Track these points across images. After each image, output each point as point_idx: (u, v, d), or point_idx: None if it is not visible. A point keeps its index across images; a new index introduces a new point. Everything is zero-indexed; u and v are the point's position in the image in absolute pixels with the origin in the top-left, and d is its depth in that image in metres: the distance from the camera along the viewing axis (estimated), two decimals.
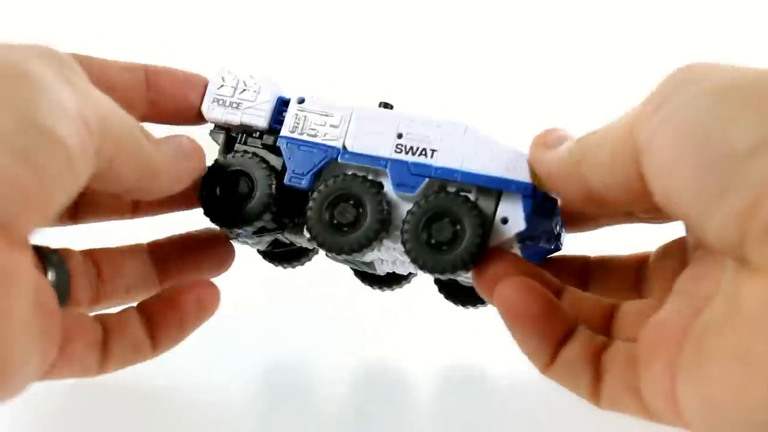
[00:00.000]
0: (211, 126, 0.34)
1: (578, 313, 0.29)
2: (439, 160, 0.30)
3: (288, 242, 0.35)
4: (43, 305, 0.25)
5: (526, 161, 0.29)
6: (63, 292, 0.30)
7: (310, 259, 0.38)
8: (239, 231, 0.33)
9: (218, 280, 0.33)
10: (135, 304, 0.32)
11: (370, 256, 0.32)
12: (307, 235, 0.31)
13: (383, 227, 0.30)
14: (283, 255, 0.37)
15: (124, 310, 0.31)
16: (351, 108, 0.31)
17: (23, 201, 0.20)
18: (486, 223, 0.29)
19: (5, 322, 0.21)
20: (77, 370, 0.29)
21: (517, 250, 0.31)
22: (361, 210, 0.30)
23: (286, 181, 0.32)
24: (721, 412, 0.21)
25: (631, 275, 0.32)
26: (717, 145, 0.20)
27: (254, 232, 0.33)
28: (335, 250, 0.30)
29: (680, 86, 0.22)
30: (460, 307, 0.36)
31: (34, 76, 0.22)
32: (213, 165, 0.32)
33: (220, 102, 0.33)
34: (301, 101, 0.32)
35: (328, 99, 0.32)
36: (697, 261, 0.26)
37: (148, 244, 0.35)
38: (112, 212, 0.35)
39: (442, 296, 0.36)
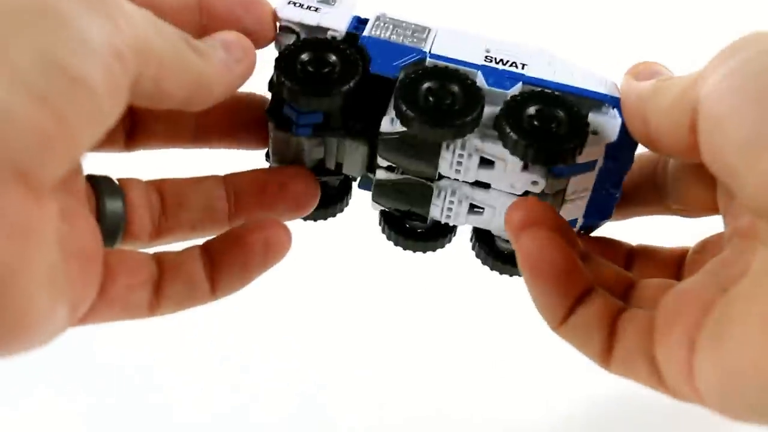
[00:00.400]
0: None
1: (598, 279, 0.28)
2: (532, 72, 0.29)
3: (332, 168, 0.33)
4: (80, 251, 0.24)
5: (612, 84, 0.29)
6: (115, 227, 0.28)
7: (341, 210, 0.35)
8: (300, 121, 0.30)
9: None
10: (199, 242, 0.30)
11: (447, 162, 0.30)
12: (387, 123, 0.29)
13: (477, 120, 0.28)
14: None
15: (185, 249, 0.29)
16: (439, 26, 0.31)
17: (43, 146, 0.19)
18: (583, 124, 0.28)
19: (23, 277, 0.19)
20: (122, 313, 0.27)
21: (592, 182, 0.30)
22: (459, 98, 0.28)
23: (372, 69, 0.29)
24: (739, 380, 0.20)
25: (672, 268, 0.31)
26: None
27: (315, 131, 0.31)
28: (425, 133, 0.28)
29: (743, 47, 0.23)
30: (496, 273, 0.34)
31: (57, 8, 0.20)
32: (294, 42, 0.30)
33: (297, 4, 0.31)
34: (380, 16, 0.31)
35: (411, 18, 0.31)
36: (732, 247, 0.26)
37: (224, 176, 0.32)
38: (169, 139, 0.32)
39: (479, 260, 0.34)
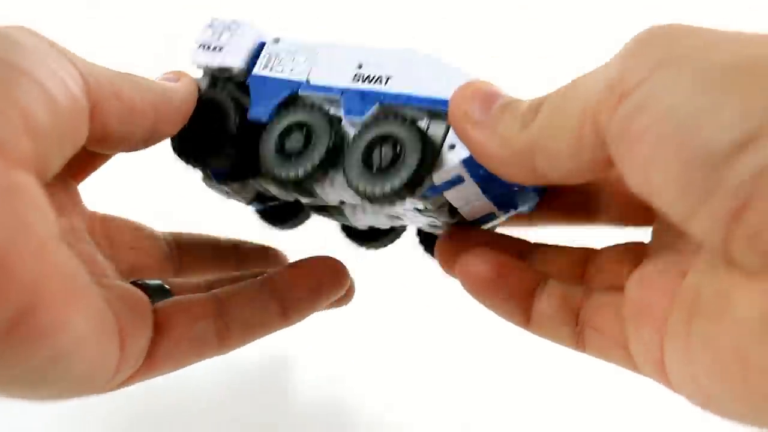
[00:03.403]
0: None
1: (550, 268, 0.28)
2: (391, 87, 0.29)
3: (271, 195, 0.35)
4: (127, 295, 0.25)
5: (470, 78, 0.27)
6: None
7: (302, 222, 0.37)
8: (211, 173, 0.33)
9: None
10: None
11: (326, 193, 0.31)
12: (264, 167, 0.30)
13: (330, 157, 0.28)
14: (277, 214, 0.37)
15: (243, 282, 0.30)
16: (320, 44, 0.31)
17: (7, 124, 0.20)
18: (428, 146, 0.27)
19: (24, 233, 0.19)
20: (191, 349, 0.27)
21: (477, 189, 0.28)
22: (311, 138, 0.29)
23: (249, 116, 0.31)
24: (714, 398, 0.21)
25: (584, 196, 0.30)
26: (697, 143, 0.18)
27: (230, 177, 0.33)
28: (280, 179, 0.29)
29: (654, 67, 0.19)
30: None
31: (10, 33, 0.22)
32: None
33: (205, 47, 0.33)
34: (277, 41, 0.32)
35: (303, 38, 0.32)
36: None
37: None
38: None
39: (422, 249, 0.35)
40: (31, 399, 0.23)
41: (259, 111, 0.31)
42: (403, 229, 0.36)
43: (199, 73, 0.34)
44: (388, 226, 0.34)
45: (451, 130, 0.27)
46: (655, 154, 0.18)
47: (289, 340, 0.46)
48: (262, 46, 0.32)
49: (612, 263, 0.27)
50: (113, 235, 0.30)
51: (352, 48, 0.30)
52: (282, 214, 0.37)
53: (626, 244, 0.28)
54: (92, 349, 0.22)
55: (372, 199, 0.27)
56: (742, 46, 0.19)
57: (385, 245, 0.37)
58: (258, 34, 0.33)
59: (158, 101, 0.27)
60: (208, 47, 0.33)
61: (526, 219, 0.32)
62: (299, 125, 0.29)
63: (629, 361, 0.25)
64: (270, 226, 0.37)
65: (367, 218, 0.33)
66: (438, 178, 0.27)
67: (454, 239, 0.29)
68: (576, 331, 0.27)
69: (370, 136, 0.28)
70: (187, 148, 0.31)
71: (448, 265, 0.29)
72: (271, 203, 0.37)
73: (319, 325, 0.47)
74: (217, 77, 0.33)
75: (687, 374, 0.21)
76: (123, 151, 0.27)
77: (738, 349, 0.19)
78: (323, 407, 0.43)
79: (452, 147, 0.27)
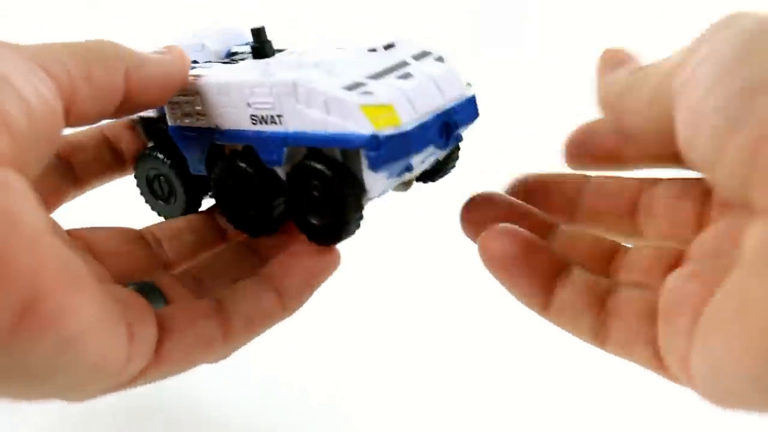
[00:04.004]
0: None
1: (573, 252, 0.28)
2: (287, 125, 0.28)
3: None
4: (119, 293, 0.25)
5: (357, 106, 0.26)
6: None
7: None
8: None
9: None
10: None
11: None
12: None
13: (273, 200, 0.30)
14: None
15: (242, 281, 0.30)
16: (202, 85, 0.30)
17: None
18: (346, 184, 0.27)
19: (16, 227, 0.19)
20: (197, 345, 0.27)
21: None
22: (251, 190, 0.30)
23: (192, 171, 0.33)
24: (721, 368, 0.20)
25: (628, 201, 0.30)
26: (740, 77, 0.20)
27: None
28: (257, 233, 0.31)
29: (717, 30, 0.22)
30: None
31: None
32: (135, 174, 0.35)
33: None
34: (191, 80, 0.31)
35: (188, 80, 0.31)
36: (727, 219, 0.25)
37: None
38: None
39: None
40: (50, 396, 0.23)
41: (196, 167, 0.32)
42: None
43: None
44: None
45: (363, 153, 0.27)
46: (706, 92, 0.20)
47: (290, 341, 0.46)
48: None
49: (643, 260, 0.27)
50: (94, 247, 0.30)
51: (232, 84, 0.29)
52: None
53: (659, 247, 0.28)
54: (101, 334, 0.22)
55: (327, 241, 0.29)
56: None
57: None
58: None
59: (130, 70, 0.27)
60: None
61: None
62: (239, 184, 0.30)
63: (652, 359, 0.24)
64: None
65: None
66: (374, 193, 0.28)
67: (480, 205, 0.29)
68: (599, 321, 0.26)
69: (298, 183, 0.29)
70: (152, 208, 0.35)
71: (472, 233, 0.29)
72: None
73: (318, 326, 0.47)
74: (146, 119, 0.34)
75: (703, 355, 0.21)
76: (97, 121, 0.27)
77: (738, 297, 0.19)
78: (323, 408, 0.43)
79: (372, 169, 0.26)
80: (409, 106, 0.27)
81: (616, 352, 0.26)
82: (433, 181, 0.33)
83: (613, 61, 0.27)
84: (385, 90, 0.27)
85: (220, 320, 0.28)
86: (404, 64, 0.29)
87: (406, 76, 0.28)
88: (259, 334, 0.29)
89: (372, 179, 0.27)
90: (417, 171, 0.29)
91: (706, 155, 0.20)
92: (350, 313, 0.51)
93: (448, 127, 0.28)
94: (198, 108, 0.31)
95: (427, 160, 0.29)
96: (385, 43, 0.31)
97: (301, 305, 0.30)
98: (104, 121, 0.31)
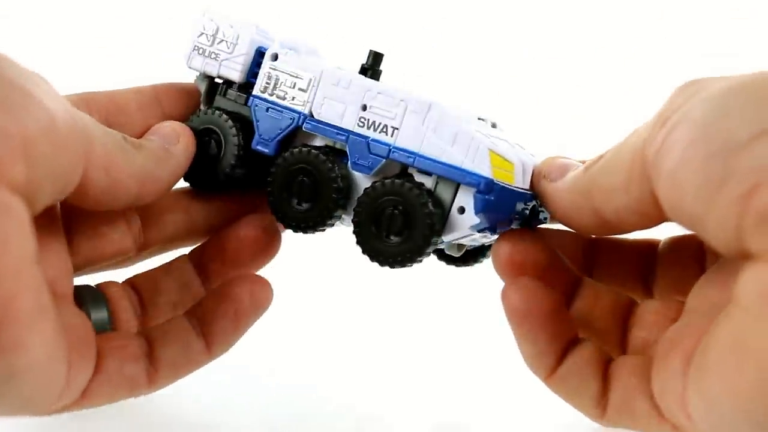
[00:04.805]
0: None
1: (596, 308, 0.29)
2: (399, 140, 0.29)
3: None
4: (71, 316, 0.26)
5: (486, 150, 0.27)
6: (104, 323, 0.30)
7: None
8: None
9: None
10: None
11: (336, 222, 0.31)
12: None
13: (337, 205, 0.29)
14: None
15: (170, 318, 0.31)
16: (320, 70, 0.30)
17: (6, 143, 0.20)
18: (435, 216, 0.28)
19: (5, 253, 0.20)
20: (122, 387, 0.28)
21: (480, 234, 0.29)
22: (318, 186, 0.29)
23: (253, 145, 0.31)
24: (718, 408, 0.20)
25: (639, 262, 0.31)
26: (719, 137, 0.20)
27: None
28: (292, 227, 0.30)
29: (687, 96, 0.22)
30: (453, 266, 0.35)
31: (21, 65, 0.23)
32: (187, 123, 0.32)
33: (200, 51, 0.32)
34: (275, 58, 0.31)
35: (302, 58, 0.31)
36: (720, 267, 0.26)
37: (189, 253, 0.34)
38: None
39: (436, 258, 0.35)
40: None
41: (263, 143, 0.31)
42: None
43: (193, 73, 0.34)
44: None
45: (460, 194, 0.28)
46: (684, 155, 0.21)
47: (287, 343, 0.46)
48: (258, 52, 0.32)
49: (652, 315, 0.28)
50: (73, 225, 0.30)
51: (356, 81, 0.30)
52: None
53: (664, 301, 0.28)
54: (44, 373, 0.23)
55: (381, 262, 0.28)
56: (756, 74, 0.22)
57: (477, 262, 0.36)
58: (256, 37, 0.32)
59: (147, 179, 0.28)
60: (204, 52, 0.32)
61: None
62: (305, 171, 0.30)
63: (653, 411, 0.25)
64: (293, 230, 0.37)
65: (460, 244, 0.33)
66: (448, 238, 0.28)
67: (512, 245, 0.29)
68: (601, 390, 0.26)
69: (379, 198, 0.28)
70: (195, 179, 0.32)
71: (508, 272, 0.28)
72: None
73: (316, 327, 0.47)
74: (216, 82, 0.33)
75: (701, 394, 0.21)
76: (99, 210, 0.28)
77: (736, 339, 0.20)
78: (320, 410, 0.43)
79: (462, 211, 0.28)
80: (521, 173, 0.28)
81: (615, 419, 0.26)
82: (468, 264, 0.34)
83: (555, 171, 0.27)
84: (508, 148, 0.28)
85: (148, 364, 0.29)
86: (510, 141, 0.30)
87: (515, 146, 0.30)
88: (182, 377, 0.30)
89: (453, 222, 0.28)
90: (476, 240, 0.30)
91: (695, 214, 0.21)
92: (349, 313, 0.51)
93: (533, 209, 0.29)
94: (301, 88, 0.30)
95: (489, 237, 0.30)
96: (492, 120, 0.32)
97: (228, 349, 0.31)
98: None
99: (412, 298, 0.52)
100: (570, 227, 0.28)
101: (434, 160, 0.28)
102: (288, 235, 0.36)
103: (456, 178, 0.28)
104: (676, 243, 0.30)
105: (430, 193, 0.28)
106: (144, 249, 0.32)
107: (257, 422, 0.37)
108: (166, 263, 0.33)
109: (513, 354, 0.28)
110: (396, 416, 0.40)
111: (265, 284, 0.31)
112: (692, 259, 0.28)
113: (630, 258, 0.31)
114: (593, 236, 0.32)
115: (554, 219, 0.28)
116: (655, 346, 0.25)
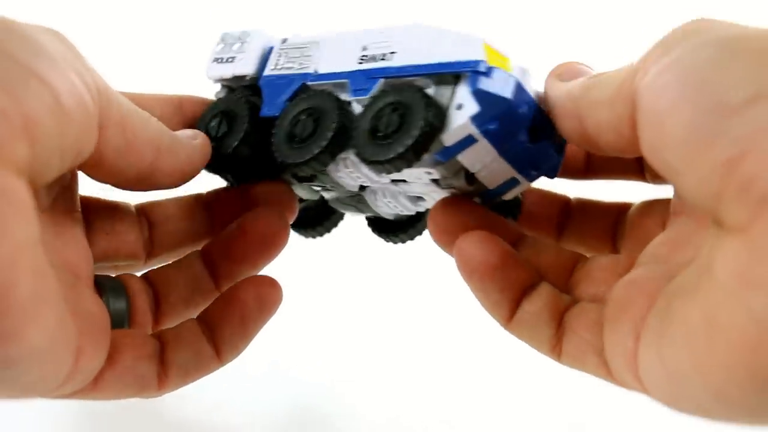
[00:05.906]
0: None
1: (539, 263, 0.28)
2: (396, 61, 0.28)
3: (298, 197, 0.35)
4: (80, 299, 0.25)
5: (480, 42, 0.27)
6: (122, 313, 0.29)
7: (335, 224, 0.37)
8: (233, 178, 0.33)
9: None
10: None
11: (342, 177, 0.31)
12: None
13: (339, 136, 0.28)
14: (306, 219, 0.36)
15: (182, 322, 0.31)
16: (326, 35, 0.31)
17: (5, 124, 0.20)
18: (431, 107, 0.26)
19: (1, 238, 0.19)
20: (133, 384, 0.28)
21: (490, 148, 0.27)
22: (319, 122, 0.29)
23: (261, 113, 0.31)
24: (681, 380, 0.20)
25: (609, 224, 0.31)
26: (712, 94, 0.19)
27: (253, 178, 0.33)
28: (296, 163, 0.29)
29: (685, 36, 0.21)
30: (390, 243, 0.35)
31: (28, 31, 0.22)
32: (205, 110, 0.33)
33: (219, 60, 0.33)
34: (284, 41, 0.32)
35: (310, 33, 0.32)
36: (677, 226, 0.26)
37: (201, 249, 0.33)
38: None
39: (371, 231, 0.35)
40: None
41: (270, 108, 0.31)
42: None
43: (216, 87, 0.34)
44: (412, 211, 0.33)
45: (458, 90, 0.26)
46: (673, 104, 0.20)
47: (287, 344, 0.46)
48: (270, 49, 0.33)
49: (601, 271, 0.28)
50: (92, 219, 0.30)
51: (356, 33, 0.30)
52: (311, 219, 0.36)
53: (616, 256, 0.28)
54: (44, 362, 0.22)
55: (380, 165, 0.27)
56: (760, 28, 0.21)
57: (413, 237, 0.36)
58: (267, 39, 0.33)
59: (163, 147, 0.27)
60: (222, 60, 0.33)
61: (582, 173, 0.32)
62: (307, 111, 0.29)
63: (602, 367, 0.25)
64: (300, 234, 0.37)
65: (389, 203, 0.32)
66: (448, 139, 0.26)
67: (449, 211, 0.29)
68: (555, 336, 0.27)
69: (376, 107, 0.28)
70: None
71: (444, 240, 0.28)
72: (300, 206, 0.36)
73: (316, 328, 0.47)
74: (234, 87, 0.34)
75: (659, 362, 0.21)
76: (113, 185, 0.27)
77: (707, 315, 0.19)
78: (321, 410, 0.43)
79: (460, 107, 0.26)
80: (521, 74, 0.27)
81: (569, 364, 0.27)
82: (400, 239, 0.35)
83: (567, 72, 0.27)
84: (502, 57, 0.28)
85: (159, 367, 0.28)
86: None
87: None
88: (190, 383, 0.30)
89: (453, 117, 0.26)
90: (483, 176, 0.28)
91: (674, 166, 0.20)
92: (349, 313, 0.51)
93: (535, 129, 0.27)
94: (307, 55, 0.31)
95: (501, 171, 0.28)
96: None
97: (238, 355, 0.30)
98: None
99: (412, 299, 0.52)
100: (560, 131, 0.27)
101: (425, 64, 0.27)
102: (289, 236, 0.36)
103: (448, 70, 0.27)
104: (646, 206, 0.30)
105: (428, 96, 0.27)
106: (151, 257, 0.32)
107: (257, 422, 0.37)
108: (178, 260, 0.33)
109: (515, 354, 0.28)
110: (396, 416, 0.40)
111: (273, 285, 0.31)
112: (658, 221, 0.28)
113: (601, 218, 0.31)
114: (569, 198, 0.32)
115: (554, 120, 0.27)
116: (607, 302, 0.25)
